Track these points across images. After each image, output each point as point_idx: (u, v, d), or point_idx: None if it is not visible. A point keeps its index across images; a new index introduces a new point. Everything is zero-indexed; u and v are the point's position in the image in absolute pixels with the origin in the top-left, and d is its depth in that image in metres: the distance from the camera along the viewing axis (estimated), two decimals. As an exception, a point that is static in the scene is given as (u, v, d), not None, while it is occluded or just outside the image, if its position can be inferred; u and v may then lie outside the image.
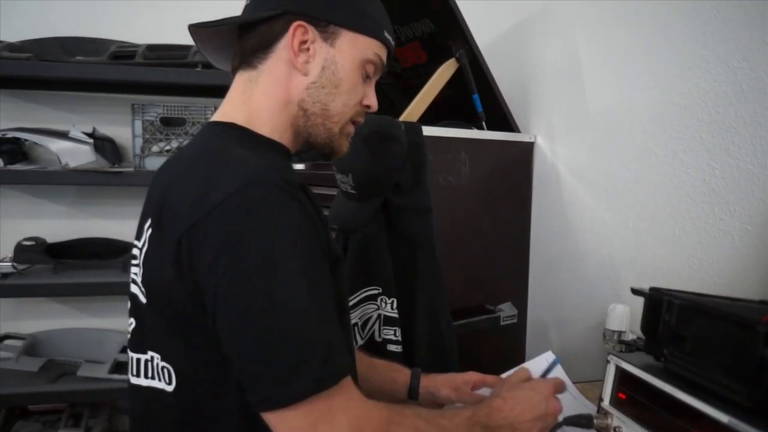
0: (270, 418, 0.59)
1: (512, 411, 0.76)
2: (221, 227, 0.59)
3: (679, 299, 0.67)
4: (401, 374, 0.97)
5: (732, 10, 0.98)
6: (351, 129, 0.80)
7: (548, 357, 1.02)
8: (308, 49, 0.72)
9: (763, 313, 0.72)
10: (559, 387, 0.84)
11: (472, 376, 0.96)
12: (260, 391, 0.58)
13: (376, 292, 1.16)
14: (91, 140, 1.70)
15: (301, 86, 0.73)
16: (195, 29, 0.76)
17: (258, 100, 0.74)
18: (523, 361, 1.05)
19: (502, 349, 1.47)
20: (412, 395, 0.96)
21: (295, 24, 0.71)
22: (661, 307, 0.68)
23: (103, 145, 1.77)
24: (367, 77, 0.78)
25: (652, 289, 0.71)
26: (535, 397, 0.79)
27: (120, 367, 1.73)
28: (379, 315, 1.16)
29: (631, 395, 0.70)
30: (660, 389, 0.65)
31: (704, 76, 1.03)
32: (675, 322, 0.67)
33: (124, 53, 1.70)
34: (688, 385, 0.63)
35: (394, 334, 1.15)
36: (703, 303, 0.67)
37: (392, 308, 1.15)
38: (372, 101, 0.80)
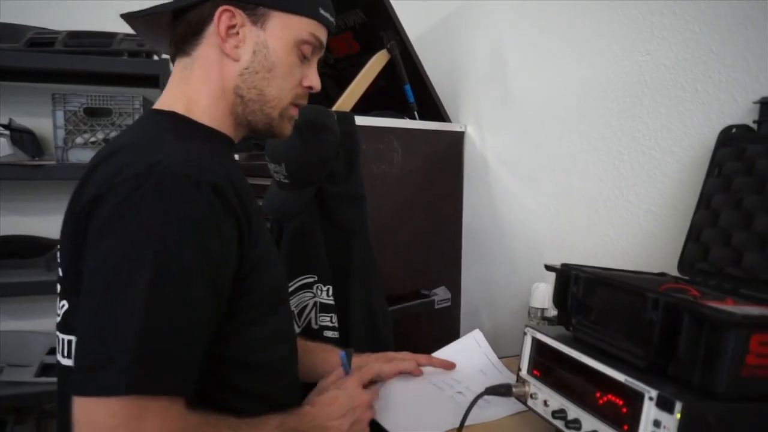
0: (74, 404, 0.56)
1: (320, 412, 0.77)
2: (110, 206, 0.59)
3: (585, 273, 0.73)
4: (333, 354, 0.99)
5: (635, 7, 1.06)
6: (293, 111, 0.79)
7: (476, 335, 1.07)
8: (237, 34, 0.72)
9: (661, 283, 0.80)
10: (365, 377, 0.87)
11: (406, 355, 0.99)
12: (75, 373, 0.57)
13: (311, 280, 1.18)
14: (8, 132, 1.61)
15: (234, 72, 0.73)
16: (130, 19, 0.75)
17: (195, 87, 0.74)
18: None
19: (437, 332, 1.52)
20: (346, 374, 0.98)
21: (220, 9, 0.71)
22: (570, 281, 0.74)
23: (21, 137, 1.67)
24: (304, 58, 0.76)
25: (563, 265, 0.77)
26: (340, 394, 0.81)
27: (47, 369, 1.65)
28: (315, 302, 1.18)
29: (546, 363, 0.76)
30: (568, 355, 0.70)
31: (613, 68, 1.11)
32: (581, 294, 0.73)
33: (42, 40, 1.61)
34: (593, 350, 0.68)
35: (331, 321, 1.17)
36: (604, 275, 0.73)
37: (328, 295, 1.17)
38: (314, 82, 0.79)
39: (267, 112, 0.75)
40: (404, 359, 0.98)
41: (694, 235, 0.87)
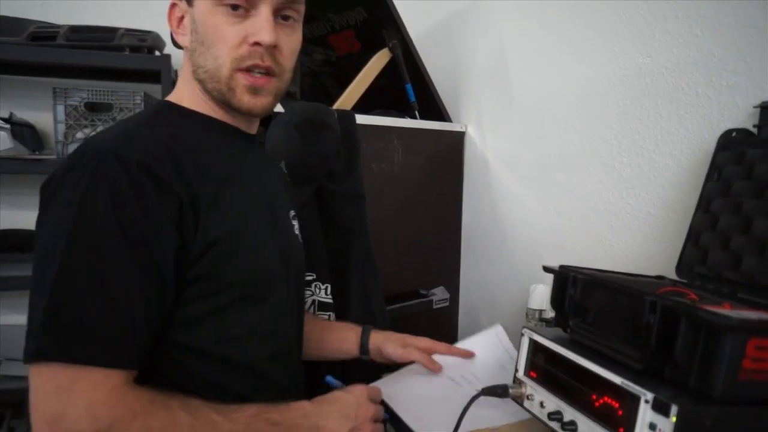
0: None
1: (317, 410, 0.74)
2: (51, 185, 0.64)
3: (583, 275, 0.73)
4: (353, 332, 1.01)
5: (638, 9, 1.06)
6: (245, 80, 0.71)
7: (497, 330, 1.05)
8: (185, 24, 0.75)
9: (658, 286, 0.80)
10: (374, 394, 0.84)
11: (425, 341, 1.00)
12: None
13: (310, 278, 1.18)
14: (9, 126, 1.61)
15: (187, 60, 0.76)
16: None
17: (180, 84, 0.79)
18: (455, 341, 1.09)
19: (435, 332, 1.51)
20: (363, 351, 1.00)
21: (169, 5, 0.74)
22: (568, 283, 0.74)
23: (21, 131, 1.67)
24: (235, 8, 0.69)
25: (561, 267, 0.77)
26: (345, 396, 0.79)
27: (45, 363, 1.65)
28: (314, 301, 1.18)
29: (542, 365, 0.76)
30: (565, 357, 0.70)
31: (614, 70, 1.11)
32: (579, 296, 0.73)
33: (44, 34, 1.60)
34: (590, 352, 0.68)
35: (329, 319, 1.17)
36: (602, 278, 0.73)
37: (326, 294, 1.17)
38: (260, 36, 0.68)
39: (217, 87, 0.72)
40: (421, 347, 0.98)
41: (692, 238, 0.87)
